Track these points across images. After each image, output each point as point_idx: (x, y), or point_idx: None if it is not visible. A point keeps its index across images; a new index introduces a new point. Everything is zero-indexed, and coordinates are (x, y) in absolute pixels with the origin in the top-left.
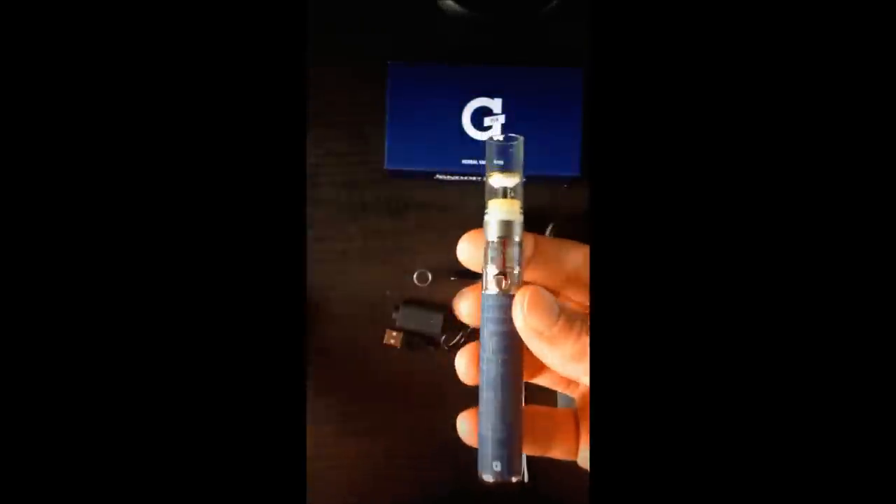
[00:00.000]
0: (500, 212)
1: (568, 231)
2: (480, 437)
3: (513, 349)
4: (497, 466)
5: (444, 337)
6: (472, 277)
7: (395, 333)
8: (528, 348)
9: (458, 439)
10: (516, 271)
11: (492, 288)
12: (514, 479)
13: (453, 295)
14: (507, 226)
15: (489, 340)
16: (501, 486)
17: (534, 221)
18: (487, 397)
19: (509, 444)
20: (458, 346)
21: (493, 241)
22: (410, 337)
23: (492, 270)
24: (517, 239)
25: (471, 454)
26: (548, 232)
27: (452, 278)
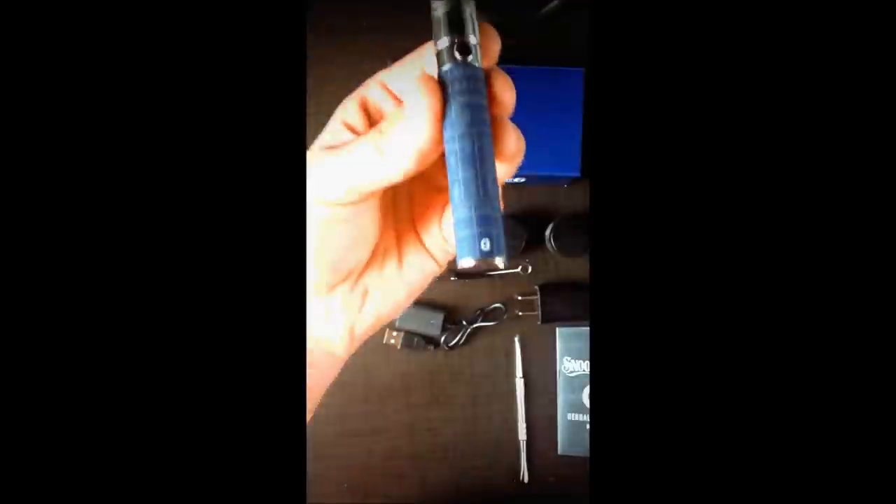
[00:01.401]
0: None
1: (568, 230)
2: (460, 221)
3: (486, 122)
4: (486, 245)
5: (443, 337)
6: (472, 278)
7: (395, 333)
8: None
9: (458, 439)
10: (474, 41)
11: (450, 59)
12: (501, 261)
13: (453, 295)
14: None
15: (460, 116)
16: (486, 268)
17: (533, 223)
18: (466, 176)
19: (495, 219)
20: (457, 346)
21: (444, 13)
22: (410, 337)
23: (445, 43)
24: (469, 11)
25: (471, 455)
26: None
27: (452, 278)
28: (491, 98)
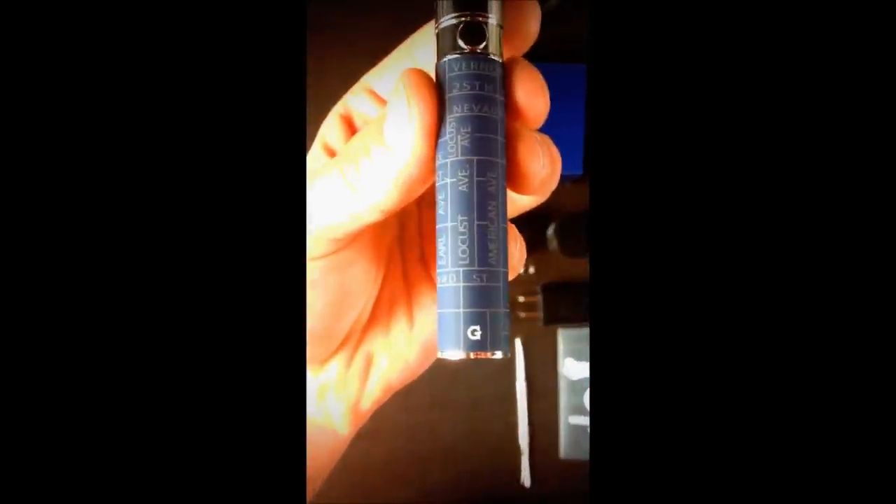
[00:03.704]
0: None
1: (570, 230)
2: (443, 293)
3: (495, 145)
4: (475, 334)
5: None
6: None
7: None
8: (513, 147)
9: (459, 442)
10: (493, 21)
11: (452, 48)
12: (497, 355)
13: None
14: None
15: (456, 135)
16: (478, 360)
17: (534, 222)
18: (456, 227)
19: (492, 295)
20: None
21: None
22: None
23: (447, 21)
24: None
25: (472, 458)
26: None
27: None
28: (511, 105)
